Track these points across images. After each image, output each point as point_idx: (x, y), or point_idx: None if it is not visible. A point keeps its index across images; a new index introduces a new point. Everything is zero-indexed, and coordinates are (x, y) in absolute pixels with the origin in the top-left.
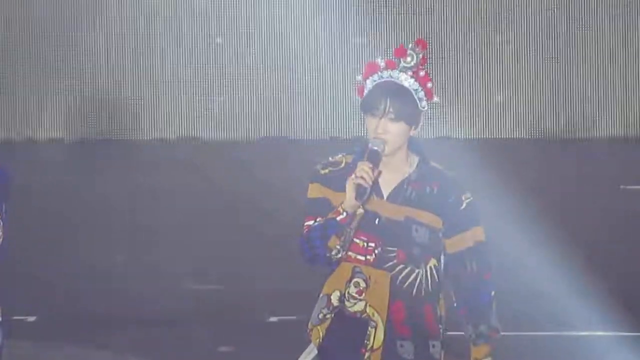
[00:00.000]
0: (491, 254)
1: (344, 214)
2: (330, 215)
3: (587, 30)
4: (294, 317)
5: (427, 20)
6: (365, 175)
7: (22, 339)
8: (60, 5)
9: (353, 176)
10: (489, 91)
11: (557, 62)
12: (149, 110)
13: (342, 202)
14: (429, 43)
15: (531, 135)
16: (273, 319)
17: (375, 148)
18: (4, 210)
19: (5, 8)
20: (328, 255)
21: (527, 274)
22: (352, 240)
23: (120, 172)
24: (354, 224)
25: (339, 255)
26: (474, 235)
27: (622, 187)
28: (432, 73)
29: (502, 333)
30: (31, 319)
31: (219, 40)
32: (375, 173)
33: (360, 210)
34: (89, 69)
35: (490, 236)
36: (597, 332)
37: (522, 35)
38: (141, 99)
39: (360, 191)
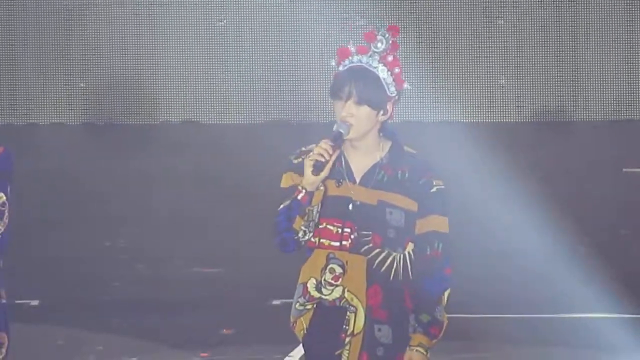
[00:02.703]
0: (452, 251)
1: (303, 191)
2: (292, 196)
3: (590, 11)
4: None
5: (429, 3)
6: (322, 151)
7: (24, 322)
8: None
9: (311, 153)
10: (492, 75)
11: (562, 45)
12: (151, 93)
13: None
14: (432, 26)
15: (533, 118)
16: (276, 301)
17: (340, 130)
18: (8, 193)
19: None
20: (295, 238)
21: (526, 256)
22: (318, 221)
23: (123, 156)
24: (316, 203)
25: (306, 237)
26: (440, 222)
27: (625, 170)
28: (435, 57)
29: (499, 315)
30: (34, 302)
31: (221, 23)
32: (336, 152)
33: (322, 188)
34: (91, 52)
35: (493, 217)
36: (594, 314)
37: (525, 18)
38: (144, 83)
39: (317, 165)
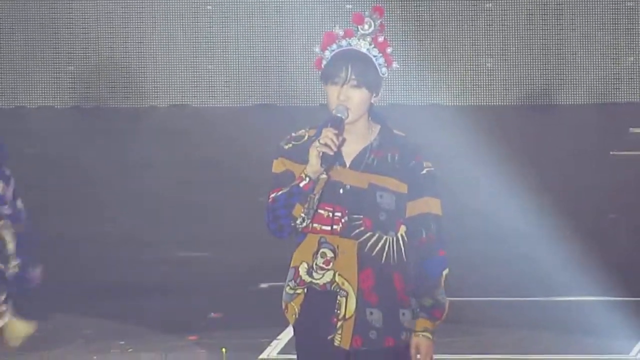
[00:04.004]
0: (446, 233)
1: (307, 179)
2: (293, 183)
3: None
4: (284, 284)
5: None
6: (329, 142)
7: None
8: None
9: (317, 143)
10: (478, 58)
11: (548, 29)
12: (139, 77)
13: (304, 169)
14: (419, 9)
15: (520, 101)
16: (264, 285)
17: (339, 115)
18: (7, 174)
19: None
20: (293, 224)
21: (514, 239)
22: (317, 208)
23: (112, 140)
24: (318, 190)
25: (304, 224)
26: (432, 204)
27: (612, 152)
28: (421, 40)
29: (486, 298)
30: None
31: (209, 7)
32: (340, 140)
33: (324, 176)
34: (79, 35)
35: (480, 201)
36: (582, 297)
37: (512, 2)
38: (132, 66)
39: (325, 157)
